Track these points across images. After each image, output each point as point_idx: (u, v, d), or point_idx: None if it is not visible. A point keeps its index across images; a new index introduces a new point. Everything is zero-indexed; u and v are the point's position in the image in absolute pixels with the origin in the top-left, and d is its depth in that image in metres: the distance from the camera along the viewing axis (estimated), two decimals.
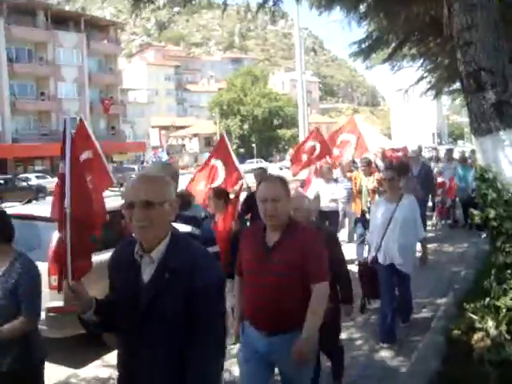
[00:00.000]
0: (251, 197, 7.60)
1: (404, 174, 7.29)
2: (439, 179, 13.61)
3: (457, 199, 13.57)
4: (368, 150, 12.56)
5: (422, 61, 14.52)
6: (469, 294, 6.31)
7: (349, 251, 8.78)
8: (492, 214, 4.24)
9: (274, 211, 3.08)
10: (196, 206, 5.75)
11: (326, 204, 9.46)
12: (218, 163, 7.82)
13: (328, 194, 9.50)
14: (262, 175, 8.46)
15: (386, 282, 5.63)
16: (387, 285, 5.64)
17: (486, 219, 4.41)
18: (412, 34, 10.94)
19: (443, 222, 13.69)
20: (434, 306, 6.74)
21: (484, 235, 10.55)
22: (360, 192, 9.56)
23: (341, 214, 10.42)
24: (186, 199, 4.88)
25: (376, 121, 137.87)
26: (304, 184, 11.58)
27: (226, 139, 8.28)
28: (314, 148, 10.68)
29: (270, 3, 7.17)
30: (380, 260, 5.66)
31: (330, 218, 9.49)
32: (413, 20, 9.29)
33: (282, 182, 3.24)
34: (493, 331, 4.57)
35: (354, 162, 12.28)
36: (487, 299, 4.77)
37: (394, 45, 12.09)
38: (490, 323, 4.65)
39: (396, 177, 5.70)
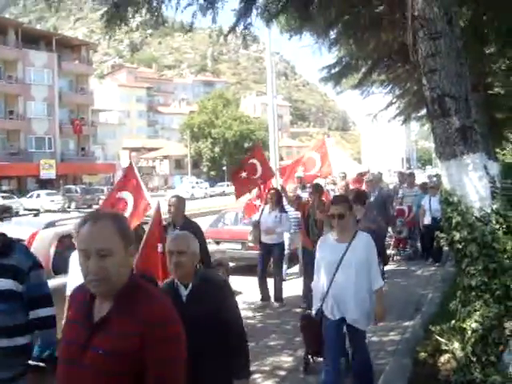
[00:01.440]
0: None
1: (361, 203, 6.79)
2: (399, 207, 12.82)
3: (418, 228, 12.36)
4: (331, 172, 12.23)
5: (390, 87, 14.83)
6: (435, 317, 6.37)
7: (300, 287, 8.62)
8: (457, 236, 4.31)
9: (98, 271, 1.93)
10: (22, 252, 3.57)
11: (267, 236, 8.68)
12: (125, 195, 6.53)
13: (270, 224, 8.64)
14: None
15: (331, 339, 4.58)
16: (333, 341, 4.57)
17: (451, 242, 4.47)
18: (381, 60, 11.18)
19: (401, 253, 12.63)
20: (401, 329, 6.77)
21: (437, 264, 11.06)
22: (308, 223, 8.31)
23: (287, 247, 9.72)
24: (6, 241, 3.35)
25: (346, 145, 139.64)
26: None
27: (134, 167, 6.83)
28: (254, 167, 9.66)
29: (241, 27, 7.24)
30: (327, 313, 4.59)
31: (273, 252, 8.70)
32: (382, 46, 9.52)
33: (116, 221, 2.02)
34: (459, 353, 4.61)
35: (304, 186, 11.24)
36: (453, 321, 4.81)
37: (363, 70, 12.34)
38: (456, 345, 4.69)
39: (347, 212, 4.47)
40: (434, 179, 15.67)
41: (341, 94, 15.12)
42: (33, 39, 51.91)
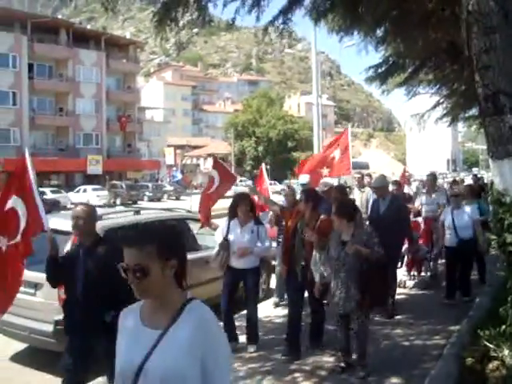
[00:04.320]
0: None
1: (347, 216, 5.37)
2: (414, 219, 10.12)
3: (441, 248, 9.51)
4: (349, 171, 10.40)
5: (438, 86, 14.51)
6: (484, 321, 6.17)
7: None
8: (509, 239, 4.17)
9: None
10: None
11: (239, 258, 6.49)
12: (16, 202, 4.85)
13: (244, 241, 6.50)
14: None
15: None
16: None
17: (502, 244, 4.33)
18: (429, 59, 10.94)
19: (414, 276, 10.07)
20: (447, 333, 6.62)
21: (466, 299, 8.32)
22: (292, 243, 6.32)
23: (263, 272, 8.20)
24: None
25: (391, 146, 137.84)
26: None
27: (29, 165, 4.92)
28: (212, 180, 8.08)
29: (280, 22, 7.18)
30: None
31: (247, 281, 6.58)
32: (430, 45, 9.31)
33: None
34: (509, 360, 4.47)
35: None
36: (503, 326, 4.66)
37: (410, 70, 12.10)
38: (506, 352, 4.54)
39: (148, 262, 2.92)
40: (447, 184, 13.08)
41: (386, 95, 14.86)
42: (83, 39, 53.25)
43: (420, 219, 10.24)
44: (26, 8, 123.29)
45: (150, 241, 1.97)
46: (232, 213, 6.66)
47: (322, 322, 6.56)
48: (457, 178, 24.05)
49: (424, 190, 11.21)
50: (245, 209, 6.51)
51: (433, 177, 11.13)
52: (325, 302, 6.25)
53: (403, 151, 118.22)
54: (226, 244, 6.55)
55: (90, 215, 4.63)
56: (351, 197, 10.04)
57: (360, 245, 5.26)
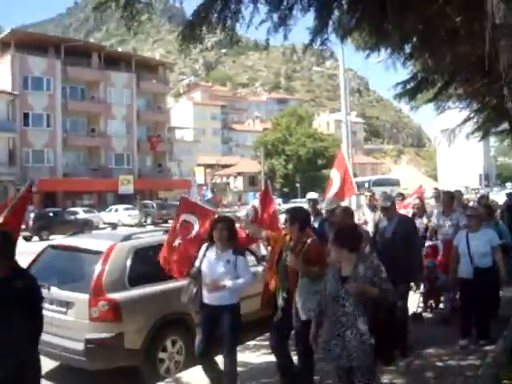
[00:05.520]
0: None
1: (351, 246, 4.28)
2: (430, 242, 9.00)
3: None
4: (355, 192, 9.99)
5: (468, 101, 14.35)
6: None
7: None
8: None
9: None
10: None
11: (213, 293, 5.55)
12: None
13: (218, 273, 5.57)
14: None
15: None
16: None
17: None
18: (458, 74, 10.84)
19: (431, 308, 8.95)
20: (482, 353, 6.46)
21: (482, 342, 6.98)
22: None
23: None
24: None
25: (421, 162, 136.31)
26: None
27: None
28: (189, 225, 6.60)
29: (318, 43, 7.23)
30: None
31: (223, 320, 5.51)
32: (459, 60, 9.25)
33: None
34: None
35: (318, 213, 9.29)
36: None
37: (439, 85, 12.01)
38: None
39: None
40: (473, 202, 11.19)
41: (415, 111, 14.72)
42: (114, 61, 54.37)
43: (439, 243, 8.77)
44: (60, 33, 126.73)
45: None
46: (210, 238, 5.73)
47: (308, 376, 5.41)
48: (483, 194, 22.46)
49: (438, 209, 9.53)
50: (220, 235, 5.54)
51: (449, 195, 9.23)
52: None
53: (434, 167, 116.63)
54: (197, 274, 5.67)
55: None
56: (363, 218, 9.57)
57: (364, 282, 4.14)
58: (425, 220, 9.72)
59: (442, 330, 7.82)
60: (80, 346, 5.85)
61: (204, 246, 5.80)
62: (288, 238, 5.58)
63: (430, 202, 11.71)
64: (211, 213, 6.80)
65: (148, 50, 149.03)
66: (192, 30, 6.57)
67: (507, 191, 23.56)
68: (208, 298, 5.57)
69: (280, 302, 5.43)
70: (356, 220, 8.83)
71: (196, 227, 6.50)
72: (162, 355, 6.34)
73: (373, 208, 9.82)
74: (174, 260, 6.32)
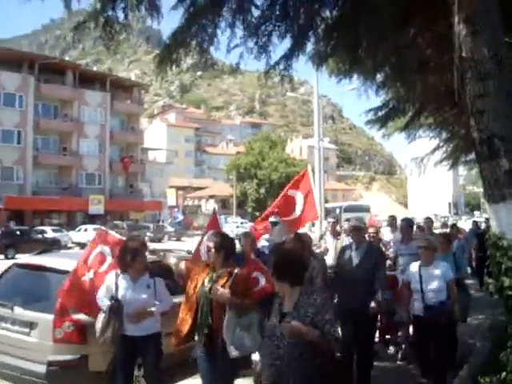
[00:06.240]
0: None
1: (290, 278, 3.67)
2: (389, 272, 7.75)
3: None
4: (316, 216, 9.41)
5: (438, 130, 14.63)
6: (484, 368, 6.04)
7: None
8: (507, 282, 4.15)
9: None
10: None
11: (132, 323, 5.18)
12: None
13: (137, 301, 5.23)
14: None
15: None
16: None
17: (500, 289, 4.30)
18: (428, 103, 11.10)
19: (388, 345, 8.27)
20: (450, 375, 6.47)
21: None
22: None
23: None
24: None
25: (392, 189, 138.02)
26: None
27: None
28: (103, 257, 5.99)
29: (281, 67, 7.33)
30: None
31: (144, 353, 5.30)
32: (429, 90, 9.48)
33: None
34: None
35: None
36: (503, 373, 4.58)
37: (410, 114, 12.25)
38: None
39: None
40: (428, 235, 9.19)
41: (387, 138, 14.94)
42: (89, 80, 54.13)
43: (397, 273, 8.02)
44: (35, 49, 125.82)
45: None
46: (122, 266, 5.29)
47: None
48: (454, 223, 22.19)
49: (396, 237, 9.08)
50: (143, 259, 5.30)
51: (407, 222, 8.65)
52: None
53: (405, 194, 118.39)
54: (116, 306, 5.12)
55: None
56: (324, 246, 9.07)
57: (305, 322, 3.45)
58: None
59: (401, 368, 7.30)
60: (42, 369, 5.68)
61: (112, 275, 5.34)
62: (209, 268, 5.05)
63: (385, 231, 11.24)
64: (121, 241, 5.99)
65: (123, 71, 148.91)
66: (169, 53, 6.62)
67: (475, 219, 23.87)
68: (131, 329, 5.14)
69: (201, 339, 4.88)
70: (316, 248, 8.59)
71: (109, 259, 5.87)
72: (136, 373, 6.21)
73: (336, 235, 9.39)
74: (78, 295, 5.65)
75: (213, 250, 4.97)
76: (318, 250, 8.54)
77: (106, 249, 5.96)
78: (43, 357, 5.71)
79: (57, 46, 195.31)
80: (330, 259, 8.24)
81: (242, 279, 4.87)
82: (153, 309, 5.11)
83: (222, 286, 4.75)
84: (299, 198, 9.01)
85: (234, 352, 4.67)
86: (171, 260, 5.71)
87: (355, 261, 6.34)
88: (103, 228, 7.20)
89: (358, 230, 6.56)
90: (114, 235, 6.39)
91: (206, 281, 4.90)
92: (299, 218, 8.89)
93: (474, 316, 10.42)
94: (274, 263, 3.77)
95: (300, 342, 3.39)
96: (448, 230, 12.43)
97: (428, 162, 17.05)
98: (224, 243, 5.00)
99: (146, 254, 5.50)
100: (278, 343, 3.52)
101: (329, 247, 9.05)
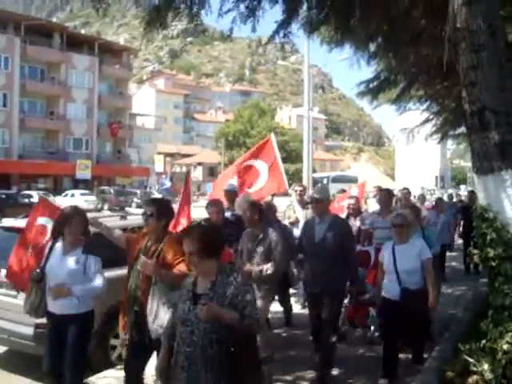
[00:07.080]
0: None
1: (211, 253, 3.15)
2: (362, 247, 7.68)
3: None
4: (285, 186, 8.35)
5: (428, 103, 14.62)
6: (465, 336, 6.17)
7: None
8: (491, 253, 4.22)
9: None
10: None
11: (57, 300, 4.73)
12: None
13: (63, 276, 4.72)
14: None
15: None
16: None
17: (484, 259, 4.37)
18: (420, 75, 11.04)
19: (356, 326, 7.46)
20: (428, 347, 6.62)
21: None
22: None
23: None
24: None
25: (380, 161, 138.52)
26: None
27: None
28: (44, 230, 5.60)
29: (281, 36, 7.25)
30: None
31: (66, 334, 4.74)
32: (421, 62, 9.42)
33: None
34: (488, 375, 4.48)
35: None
36: (483, 341, 4.68)
37: (401, 86, 12.21)
38: (486, 366, 4.55)
39: None
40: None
41: (377, 109, 14.91)
42: (77, 43, 53.15)
43: (371, 249, 7.41)
44: (21, 10, 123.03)
45: None
46: (57, 232, 4.87)
47: None
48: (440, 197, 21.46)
49: (374, 209, 8.52)
50: (75, 229, 4.70)
51: (387, 193, 8.08)
52: None
53: (392, 166, 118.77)
54: (39, 277, 4.73)
55: None
56: (293, 216, 8.54)
57: (222, 304, 3.05)
58: (357, 222, 8.54)
59: (368, 356, 6.70)
60: (29, 331, 5.72)
61: (49, 243, 4.92)
62: (147, 238, 4.55)
63: (371, 203, 10.78)
64: (58, 209, 5.62)
65: (112, 34, 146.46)
66: (157, 15, 6.49)
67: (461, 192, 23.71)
68: (52, 305, 4.68)
69: (131, 318, 4.48)
70: (285, 220, 8.30)
71: (49, 231, 5.41)
72: (114, 342, 6.26)
73: (304, 205, 8.75)
74: (22, 270, 5.39)
75: (151, 218, 4.43)
76: (287, 221, 8.23)
77: (46, 220, 5.55)
78: (30, 319, 5.73)
79: (44, 8, 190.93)
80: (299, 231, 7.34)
81: (170, 247, 4.29)
82: (74, 289, 4.55)
83: (150, 256, 4.25)
84: (263, 167, 8.26)
85: (154, 333, 4.15)
86: (116, 234, 5.00)
87: (318, 236, 5.72)
88: (43, 196, 6.91)
89: (318, 202, 5.81)
90: (53, 204, 6.08)
91: (141, 252, 4.41)
92: (262, 188, 8.21)
93: (457, 287, 10.63)
94: (186, 231, 3.33)
95: (217, 325, 2.99)
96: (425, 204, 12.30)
97: (417, 134, 17.08)
98: (166, 211, 4.54)
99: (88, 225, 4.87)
100: (193, 329, 3.07)
101: (299, 217, 8.47)
